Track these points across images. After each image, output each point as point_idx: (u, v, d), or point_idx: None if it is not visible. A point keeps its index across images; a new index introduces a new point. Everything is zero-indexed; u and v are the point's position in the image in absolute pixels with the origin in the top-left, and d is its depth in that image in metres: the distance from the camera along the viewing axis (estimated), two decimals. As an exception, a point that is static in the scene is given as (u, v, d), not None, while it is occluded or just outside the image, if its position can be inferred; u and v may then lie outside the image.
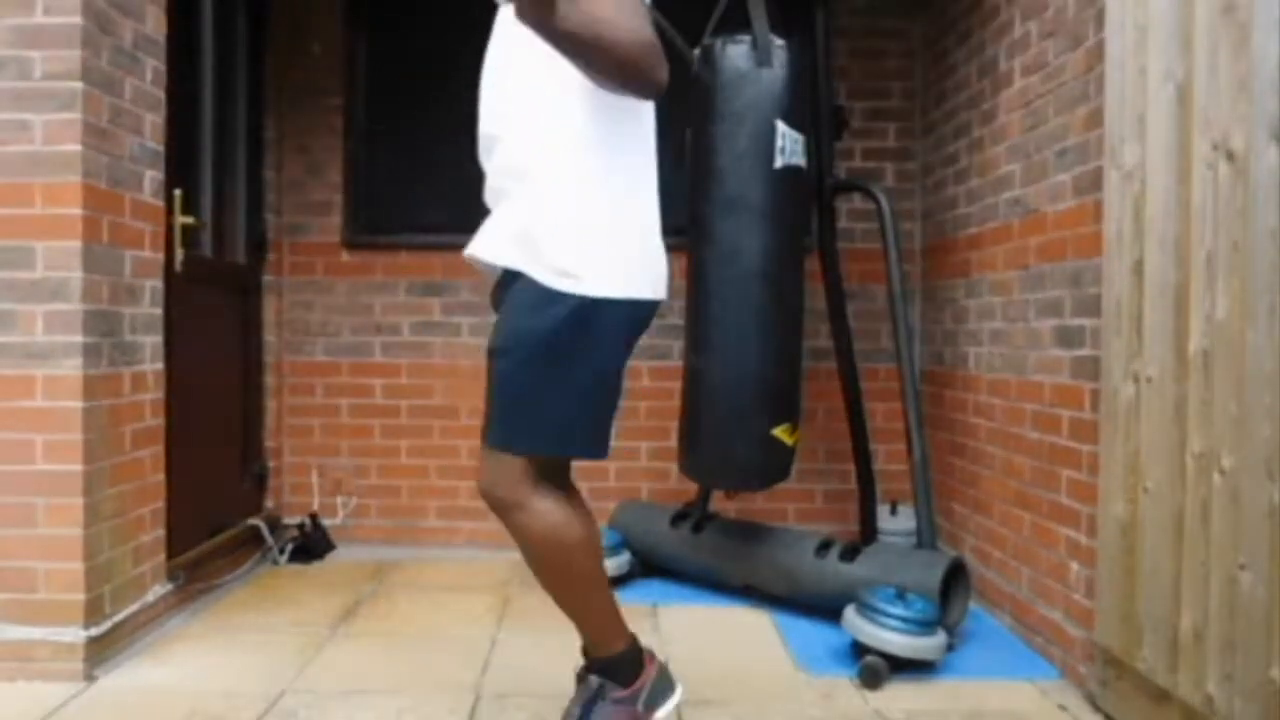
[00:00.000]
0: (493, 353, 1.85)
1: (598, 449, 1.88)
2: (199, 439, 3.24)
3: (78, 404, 2.43)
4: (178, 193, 2.93)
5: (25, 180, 2.42)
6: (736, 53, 2.91)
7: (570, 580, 1.92)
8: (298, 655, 2.66)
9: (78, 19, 2.41)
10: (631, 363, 1.98)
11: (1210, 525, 1.89)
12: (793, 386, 3.05)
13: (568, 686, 2.27)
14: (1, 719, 2.24)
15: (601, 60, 1.59)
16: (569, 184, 1.80)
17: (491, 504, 1.88)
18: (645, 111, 1.88)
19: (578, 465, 2.00)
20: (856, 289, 3.78)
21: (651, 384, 3.88)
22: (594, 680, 1.96)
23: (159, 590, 2.82)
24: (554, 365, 1.79)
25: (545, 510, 1.84)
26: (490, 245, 1.88)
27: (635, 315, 1.86)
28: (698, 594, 3.22)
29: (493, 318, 1.91)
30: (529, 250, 1.81)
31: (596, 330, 1.80)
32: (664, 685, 2.03)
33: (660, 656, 2.54)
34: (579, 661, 2.04)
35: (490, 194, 1.94)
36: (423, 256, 3.94)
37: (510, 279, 1.86)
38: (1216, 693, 1.85)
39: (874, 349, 3.86)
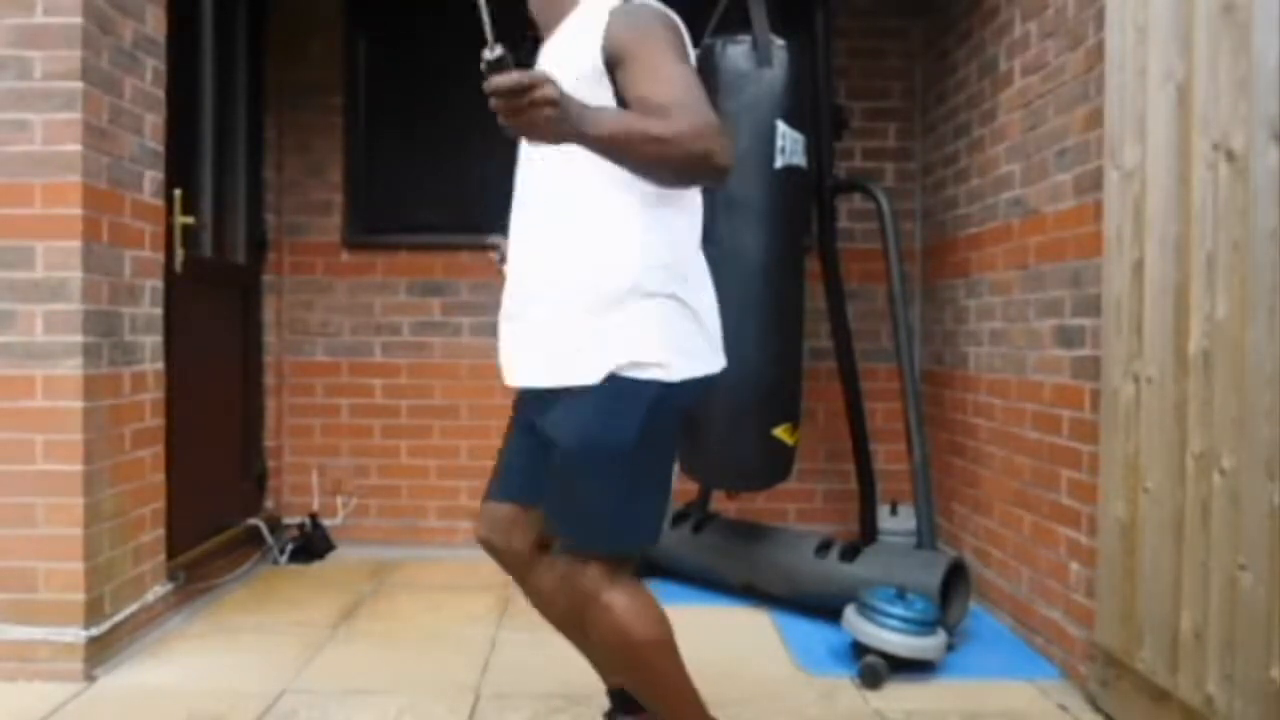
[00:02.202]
0: (565, 455, 1.63)
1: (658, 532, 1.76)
2: (199, 439, 3.23)
3: (78, 404, 2.43)
4: (178, 193, 2.93)
5: (25, 180, 2.42)
6: (736, 53, 2.91)
7: (654, 678, 1.78)
8: (297, 655, 2.66)
9: (78, 19, 2.41)
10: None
11: (1210, 525, 1.89)
12: (793, 386, 3.05)
13: (568, 686, 2.27)
14: (1, 719, 2.24)
15: (657, 160, 1.42)
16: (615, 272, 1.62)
17: (571, 603, 1.74)
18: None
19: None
20: (856, 289, 3.77)
21: (651, 384, 3.87)
22: None
23: (159, 590, 2.82)
24: (639, 464, 1.63)
25: (622, 604, 1.69)
26: (535, 369, 1.68)
27: (698, 391, 1.71)
28: (698, 594, 3.22)
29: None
30: (584, 352, 1.61)
31: (670, 415, 1.65)
32: None
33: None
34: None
35: (515, 251, 1.73)
36: (423, 256, 3.94)
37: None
38: (1216, 693, 1.85)
39: (874, 349, 3.85)
